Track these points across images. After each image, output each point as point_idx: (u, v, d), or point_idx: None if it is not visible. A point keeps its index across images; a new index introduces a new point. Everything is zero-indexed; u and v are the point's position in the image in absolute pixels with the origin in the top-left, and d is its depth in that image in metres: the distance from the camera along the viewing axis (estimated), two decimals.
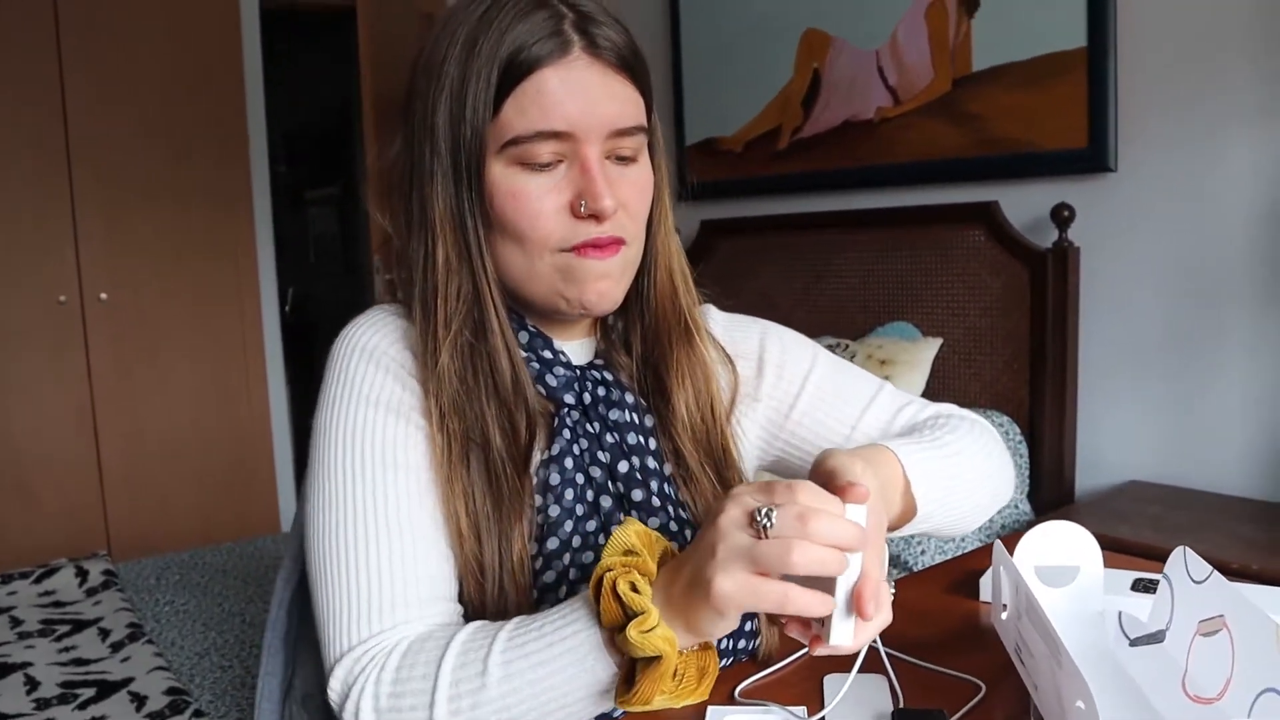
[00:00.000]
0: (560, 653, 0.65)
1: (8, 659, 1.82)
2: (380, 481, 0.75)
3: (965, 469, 0.85)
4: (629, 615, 0.61)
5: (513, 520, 0.77)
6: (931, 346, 2.42)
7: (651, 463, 0.85)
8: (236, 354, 3.71)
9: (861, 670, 0.74)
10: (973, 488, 0.86)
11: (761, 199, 3.06)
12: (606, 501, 0.82)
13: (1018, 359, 2.37)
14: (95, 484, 3.42)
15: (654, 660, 0.62)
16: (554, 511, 0.79)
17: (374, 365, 0.79)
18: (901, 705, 0.77)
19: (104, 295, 3.40)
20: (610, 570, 0.63)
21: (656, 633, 0.61)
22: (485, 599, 0.76)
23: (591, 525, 0.82)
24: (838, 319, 2.76)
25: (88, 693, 1.68)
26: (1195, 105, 2.10)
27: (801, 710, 0.75)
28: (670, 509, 0.84)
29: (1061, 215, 2.25)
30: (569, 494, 0.80)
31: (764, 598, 0.58)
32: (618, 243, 0.79)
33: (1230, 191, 2.07)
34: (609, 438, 0.84)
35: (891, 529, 0.81)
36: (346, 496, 0.75)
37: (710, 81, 3.22)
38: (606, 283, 0.79)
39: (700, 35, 3.24)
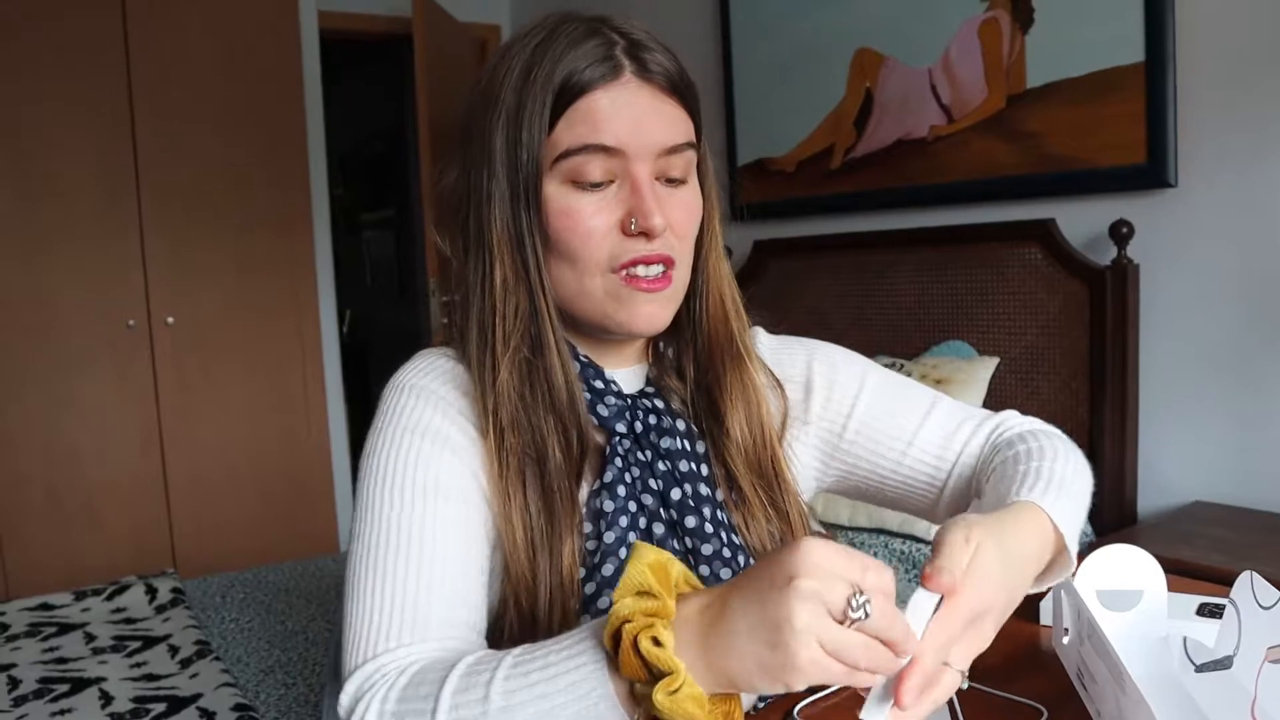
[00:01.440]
0: (565, 688, 0.61)
1: (83, 674, 1.88)
2: (413, 503, 0.76)
3: (1081, 501, 0.83)
4: (652, 672, 0.58)
5: (564, 533, 0.79)
6: (988, 366, 2.40)
7: (704, 489, 0.86)
8: (296, 375, 3.79)
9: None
10: (1084, 516, 0.84)
11: (814, 219, 3.06)
12: (659, 528, 0.83)
13: (1076, 378, 2.34)
14: (162, 503, 3.51)
15: None
16: (608, 538, 0.80)
17: (419, 399, 0.81)
18: None
19: (170, 319, 3.50)
20: (629, 622, 0.58)
21: (684, 693, 0.57)
22: (537, 611, 0.78)
23: None
24: (892, 338, 2.75)
25: (159, 708, 1.72)
26: (1257, 119, 2.07)
27: None
28: (724, 535, 0.85)
29: (1120, 232, 2.22)
30: (623, 521, 0.81)
31: (833, 676, 0.55)
32: (667, 264, 0.81)
33: None
34: (661, 465, 0.85)
35: (1040, 579, 0.77)
36: (380, 515, 0.76)
37: (762, 102, 3.23)
38: (654, 307, 0.81)
39: (751, 56, 3.25)
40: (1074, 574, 0.79)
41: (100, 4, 3.31)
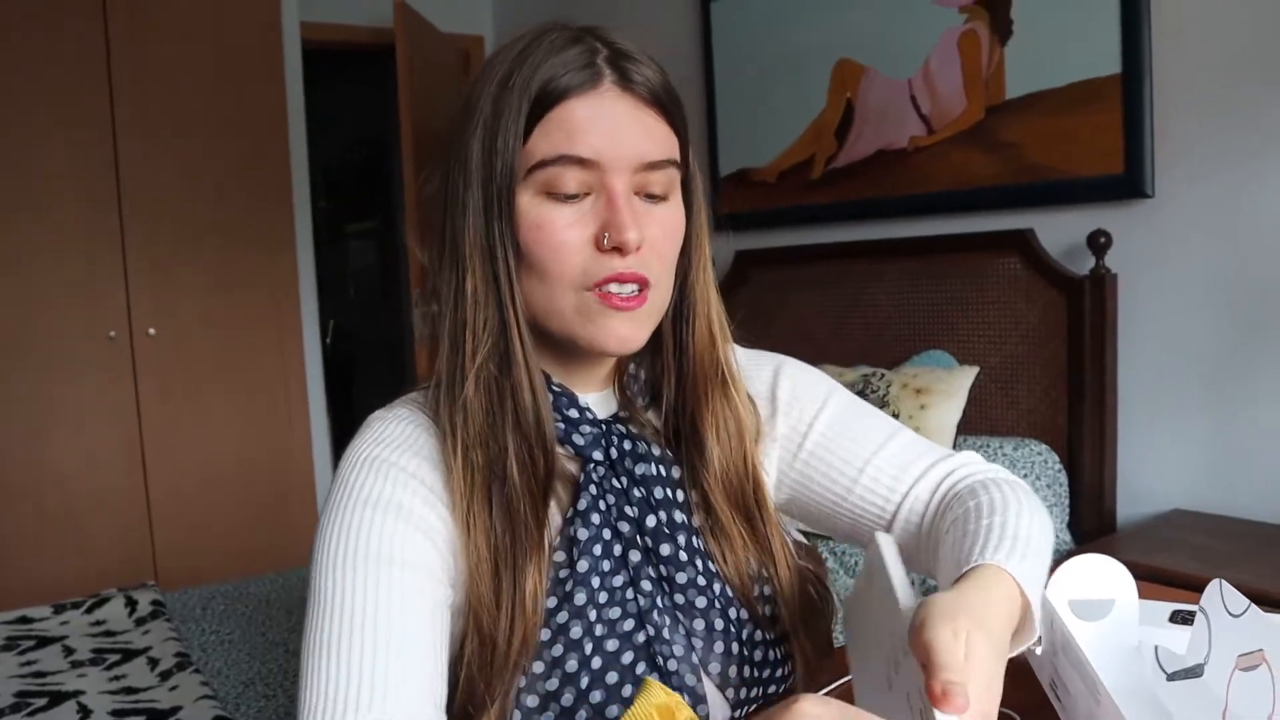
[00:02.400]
0: None
1: (61, 687, 1.86)
2: (368, 575, 0.72)
3: (1044, 559, 0.79)
4: None
5: (529, 555, 0.76)
6: (968, 375, 2.41)
7: (679, 516, 0.84)
8: (279, 387, 3.77)
9: None
10: (1047, 570, 0.82)
11: (795, 229, 3.07)
12: (634, 556, 0.82)
13: (1055, 387, 2.35)
14: (143, 515, 3.49)
15: None
16: (582, 566, 0.79)
17: (373, 472, 0.78)
18: None
19: (152, 330, 3.48)
20: None
21: None
22: (498, 635, 0.75)
23: (618, 580, 0.81)
24: (873, 348, 2.76)
25: None
26: (1233, 130, 2.09)
27: None
28: (699, 562, 0.84)
29: (1098, 242, 2.24)
30: (597, 549, 0.80)
31: None
32: (641, 283, 0.78)
33: (1270, 216, 2.05)
34: (636, 492, 0.83)
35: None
36: (332, 589, 0.72)
37: (743, 113, 3.25)
38: (628, 328, 0.79)
39: (733, 67, 3.27)
40: (1038, 642, 0.74)
41: (82, 14, 3.30)
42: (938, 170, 2.65)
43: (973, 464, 0.92)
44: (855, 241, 2.86)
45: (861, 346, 2.80)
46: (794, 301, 3.00)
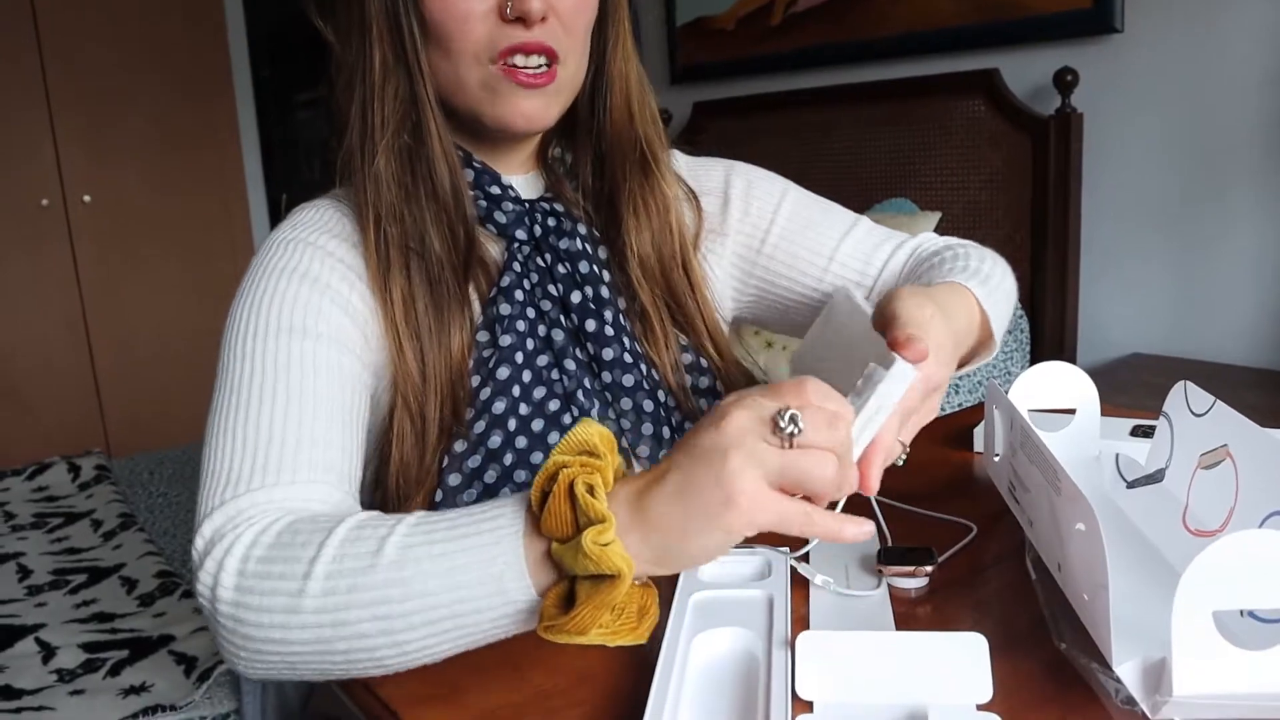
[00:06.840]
0: (470, 548, 0.54)
1: (1, 550, 1.82)
2: (278, 346, 0.69)
3: (1007, 298, 0.84)
4: (581, 525, 0.52)
5: (452, 320, 0.75)
6: (929, 221, 2.36)
7: (605, 292, 0.83)
8: (226, 254, 3.66)
9: (850, 514, 0.71)
10: (1010, 315, 0.86)
11: (755, 78, 2.96)
12: (558, 335, 0.80)
13: (1019, 232, 2.31)
14: (91, 387, 3.42)
15: (603, 581, 0.52)
16: (505, 341, 0.77)
17: (290, 251, 0.76)
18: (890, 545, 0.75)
19: (87, 197, 3.36)
20: (566, 467, 0.53)
21: (614, 549, 0.51)
22: (426, 409, 0.74)
23: (543, 360, 0.80)
24: (834, 196, 2.65)
25: (79, 578, 1.68)
26: None
27: (785, 550, 0.73)
28: (625, 340, 0.83)
29: (1065, 80, 2.16)
30: (521, 325, 0.79)
31: (787, 518, 0.51)
32: (549, 56, 0.75)
33: (1239, 53, 1.98)
34: (561, 268, 0.82)
35: (963, 365, 0.79)
36: (242, 357, 0.69)
37: None
38: (534, 103, 0.76)
39: None
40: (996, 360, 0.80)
41: None
42: (901, 11, 2.54)
43: (937, 238, 0.94)
44: (815, 89, 2.76)
45: (823, 195, 2.73)
46: (753, 152, 2.89)
